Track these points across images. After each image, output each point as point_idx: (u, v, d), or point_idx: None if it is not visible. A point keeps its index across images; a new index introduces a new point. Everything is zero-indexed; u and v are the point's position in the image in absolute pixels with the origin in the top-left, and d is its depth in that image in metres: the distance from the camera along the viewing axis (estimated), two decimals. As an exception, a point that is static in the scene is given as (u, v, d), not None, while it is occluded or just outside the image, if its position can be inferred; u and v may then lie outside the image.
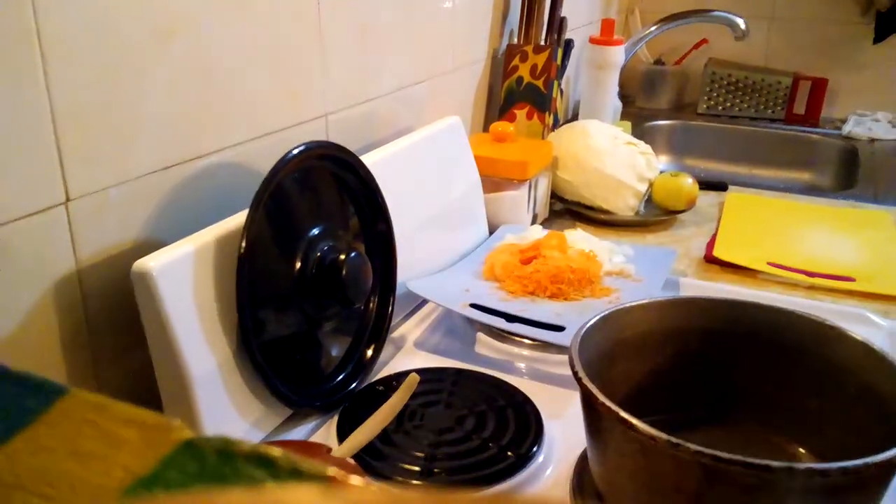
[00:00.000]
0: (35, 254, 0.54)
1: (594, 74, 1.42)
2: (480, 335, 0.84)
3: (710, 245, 1.07)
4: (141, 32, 0.60)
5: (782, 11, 1.82)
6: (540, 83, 1.25)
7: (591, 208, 1.18)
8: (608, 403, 0.50)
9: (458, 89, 1.18)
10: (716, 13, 1.61)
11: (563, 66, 1.37)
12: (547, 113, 1.26)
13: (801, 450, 0.62)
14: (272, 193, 0.63)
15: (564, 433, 0.66)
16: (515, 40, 1.31)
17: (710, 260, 1.04)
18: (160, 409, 0.59)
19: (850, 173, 1.53)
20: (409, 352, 0.81)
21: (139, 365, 0.61)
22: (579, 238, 0.97)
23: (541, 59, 1.25)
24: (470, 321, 0.85)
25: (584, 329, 0.59)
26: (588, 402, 0.53)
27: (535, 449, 0.63)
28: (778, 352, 0.62)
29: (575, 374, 0.53)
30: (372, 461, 0.61)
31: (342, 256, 0.68)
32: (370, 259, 0.73)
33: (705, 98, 1.83)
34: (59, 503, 0.29)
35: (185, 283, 0.58)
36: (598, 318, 0.61)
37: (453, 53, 1.13)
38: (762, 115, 1.80)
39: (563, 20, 1.32)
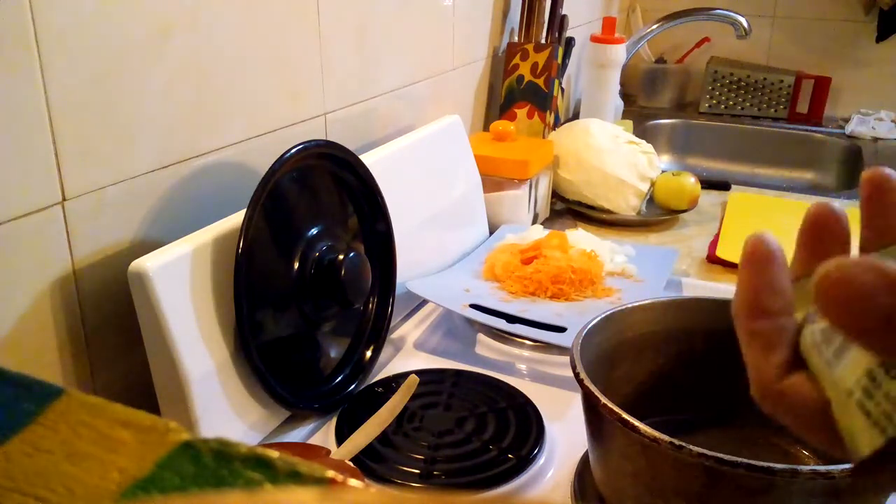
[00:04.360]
0: (31, 254, 0.54)
1: (595, 73, 1.42)
2: (481, 336, 0.83)
3: (713, 245, 1.06)
4: (138, 31, 0.60)
5: (784, 10, 1.81)
6: (541, 82, 1.24)
7: (592, 208, 1.17)
8: (610, 405, 0.49)
9: (458, 88, 1.18)
10: (718, 11, 1.61)
11: (564, 65, 1.36)
12: (548, 112, 1.26)
13: (804, 451, 0.61)
14: (270, 193, 0.63)
15: (566, 435, 0.66)
16: (516, 38, 1.31)
17: (712, 260, 1.03)
18: (157, 410, 0.59)
19: (854, 173, 1.52)
20: (408, 353, 0.81)
21: (136, 366, 0.60)
22: (580, 238, 0.97)
23: (542, 58, 1.25)
24: (470, 322, 0.85)
25: (586, 330, 0.58)
26: (589, 404, 0.53)
27: (536, 451, 0.63)
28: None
29: (576, 375, 0.53)
30: (371, 463, 0.61)
31: (341, 256, 0.68)
32: (369, 259, 0.72)
33: (707, 97, 1.83)
34: (53, 507, 0.29)
35: (182, 283, 0.58)
36: (599, 318, 0.60)
37: (453, 52, 1.13)
38: (765, 114, 1.79)
39: (563, 18, 1.32)
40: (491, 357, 0.80)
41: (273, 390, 0.63)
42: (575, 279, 0.87)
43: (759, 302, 0.28)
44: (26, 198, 0.53)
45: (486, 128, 1.29)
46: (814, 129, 1.71)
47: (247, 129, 0.73)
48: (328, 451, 0.60)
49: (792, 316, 0.28)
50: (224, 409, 0.61)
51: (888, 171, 0.29)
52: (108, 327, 0.61)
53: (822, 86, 1.77)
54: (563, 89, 1.38)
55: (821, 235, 0.29)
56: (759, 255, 0.28)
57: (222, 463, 0.30)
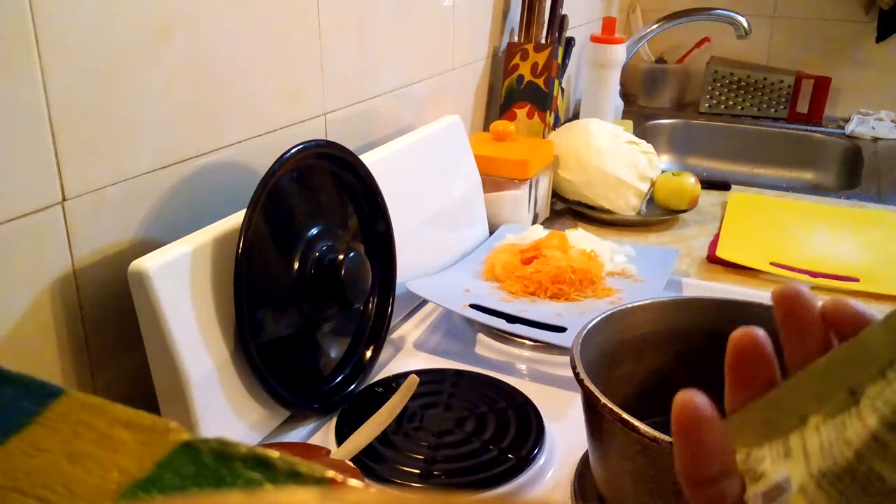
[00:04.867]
0: (31, 254, 0.54)
1: (595, 73, 1.42)
2: (481, 336, 0.83)
3: (713, 245, 1.06)
4: (138, 31, 0.60)
5: (784, 10, 1.81)
6: (541, 82, 1.24)
7: (592, 208, 1.17)
8: (610, 405, 0.49)
9: (458, 88, 1.18)
10: (718, 11, 1.61)
11: (564, 65, 1.36)
12: (548, 112, 1.26)
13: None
14: (270, 193, 0.63)
15: (566, 435, 0.66)
16: (516, 38, 1.31)
17: (712, 260, 1.03)
18: (157, 410, 0.59)
19: (854, 173, 1.52)
20: (408, 353, 0.81)
21: (136, 366, 0.60)
22: (580, 238, 0.97)
23: (542, 58, 1.25)
24: (470, 322, 0.84)
25: (586, 330, 0.58)
26: (589, 404, 0.53)
27: (535, 451, 0.63)
28: (781, 352, 0.62)
29: (576, 375, 0.53)
30: (371, 463, 0.61)
31: (341, 256, 0.68)
32: (369, 259, 0.72)
33: (707, 97, 1.83)
34: (53, 507, 0.29)
35: (182, 283, 0.58)
36: (599, 318, 0.60)
37: (453, 52, 1.13)
38: (765, 114, 1.79)
39: (563, 18, 1.32)
40: (491, 357, 0.80)
41: (273, 390, 0.63)
42: (575, 279, 0.87)
43: (697, 470, 0.28)
44: (26, 198, 0.53)
45: (486, 128, 1.29)
46: (814, 129, 1.71)
47: (247, 129, 0.73)
48: (328, 451, 0.60)
49: (733, 475, 0.28)
50: (224, 409, 0.61)
51: (799, 288, 0.29)
52: (108, 327, 0.61)
53: (822, 86, 1.77)
54: (563, 89, 1.38)
55: (748, 367, 0.29)
56: (687, 421, 0.28)
57: (222, 463, 0.30)
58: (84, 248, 0.58)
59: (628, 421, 0.48)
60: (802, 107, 1.78)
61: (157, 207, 0.64)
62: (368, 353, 0.75)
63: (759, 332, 0.29)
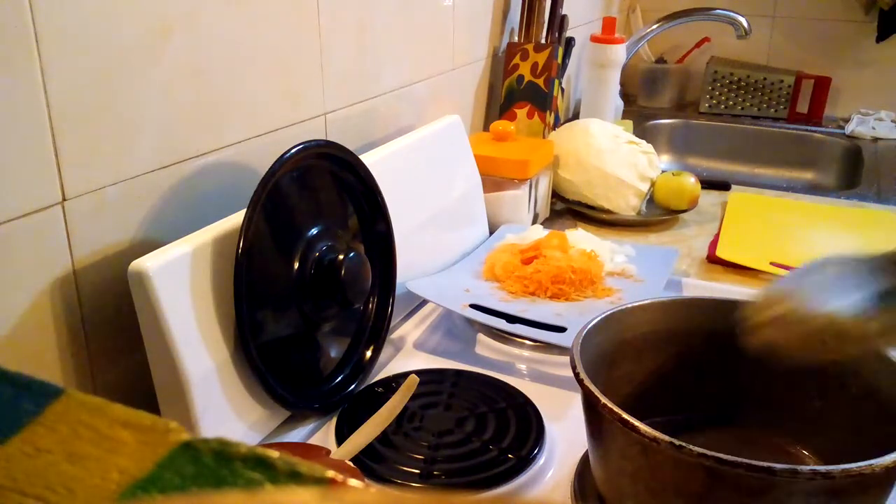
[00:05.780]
0: (31, 254, 0.54)
1: (595, 73, 1.42)
2: (480, 336, 0.83)
3: (713, 245, 1.06)
4: (138, 31, 0.60)
5: (784, 9, 1.81)
6: (541, 82, 1.24)
7: (592, 208, 1.17)
8: (610, 405, 0.49)
9: (458, 88, 1.18)
10: (718, 11, 1.61)
11: (564, 65, 1.36)
12: (548, 112, 1.26)
13: (805, 451, 0.61)
14: (270, 193, 0.63)
15: (566, 435, 0.66)
16: (516, 38, 1.31)
17: (712, 260, 1.03)
18: (157, 410, 0.59)
19: (854, 173, 1.52)
20: (408, 353, 0.81)
21: (136, 366, 0.60)
22: (580, 238, 0.97)
23: (542, 58, 1.25)
24: (470, 322, 0.84)
25: (586, 330, 0.58)
26: (589, 404, 0.53)
27: (535, 451, 0.63)
28: (781, 352, 0.62)
29: (576, 375, 0.53)
30: (371, 463, 0.61)
31: (341, 256, 0.68)
32: (369, 259, 0.72)
33: (707, 97, 1.83)
34: (53, 507, 0.29)
35: (182, 283, 0.58)
36: (599, 318, 0.60)
37: (453, 52, 1.13)
38: (765, 114, 1.79)
39: (563, 18, 1.32)
40: (491, 357, 0.80)
41: (273, 390, 0.63)
42: (575, 279, 0.87)
43: None
44: (26, 198, 0.53)
45: (486, 128, 1.28)
46: (814, 129, 1.71)
47: (246, 129, 0.73)
48: (328, 451, 0.60)
49: None
50: (224, 409, 0.61)
51: None
52: (108, 327, 0.61)
53: (822, 86, 1.77)
54: (563, 89, 1.38)
55: None
56: None
57: (222, 463, 0.30)
58: (84, 248, 0.58)
59: (628, 421, 0.48)
60: (802, 107, 1.78)
61: (157, 207, 0.64)
62: (368, 353, 0.75)
63: None
